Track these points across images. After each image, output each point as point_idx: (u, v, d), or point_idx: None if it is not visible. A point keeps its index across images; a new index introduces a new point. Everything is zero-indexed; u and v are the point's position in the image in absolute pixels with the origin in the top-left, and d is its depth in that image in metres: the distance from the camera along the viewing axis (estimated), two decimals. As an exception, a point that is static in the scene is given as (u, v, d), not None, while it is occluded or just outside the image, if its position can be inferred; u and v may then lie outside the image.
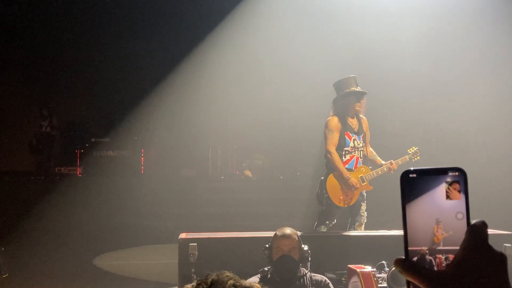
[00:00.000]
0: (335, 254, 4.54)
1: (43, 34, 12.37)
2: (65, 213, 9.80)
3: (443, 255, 0.73)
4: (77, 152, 12.06)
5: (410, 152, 5.55)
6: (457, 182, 0.74)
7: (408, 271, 0.72)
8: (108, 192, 10.39)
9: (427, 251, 0.73)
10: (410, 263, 0.73)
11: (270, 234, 3.79)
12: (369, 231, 4.93)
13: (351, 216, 5.45)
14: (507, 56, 9.55)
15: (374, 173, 5.38)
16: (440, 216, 0.73)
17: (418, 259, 0.73)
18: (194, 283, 1.44)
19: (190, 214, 9.95)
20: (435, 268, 0.73)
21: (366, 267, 3.43)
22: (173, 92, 11.76)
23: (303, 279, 3.61)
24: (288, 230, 3.68)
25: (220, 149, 11.98)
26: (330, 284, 3.73)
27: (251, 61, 11.03)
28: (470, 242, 0.71)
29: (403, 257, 0.74)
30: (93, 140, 12.13)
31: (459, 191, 0.74)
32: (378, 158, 5.56)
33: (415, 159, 5.52)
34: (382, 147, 5.82)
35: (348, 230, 5.40)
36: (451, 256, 0.73)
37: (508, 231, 4.71)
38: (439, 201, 0.74)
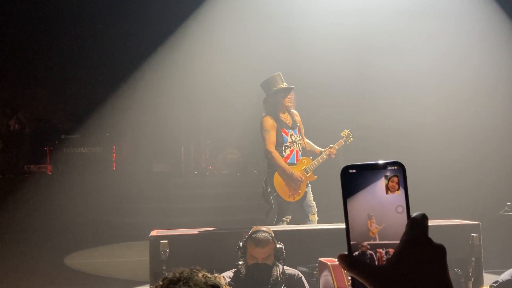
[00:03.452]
0: (308, 247, 4.55)
1: (8, 29, 12.07)
2: (35, 212, 9.63)
3: (383, 250, 0.73)
4: (46, 149, 11.85)
5: (343, 135, 5.79)
6: (396, 176, 0.74)
7: (350, 267, 0.72)
8: (79, 189, 10.24)
9: (367, 246, 0.73)
10: (352, 259, 0.72)
11: (243, 229, 3.75)
12: (340, 223, 4.96)
13: (303, 208, 5.59)
14: (459, 55, 9.77)
15: (316, 162, 5.58)
16: (372, 210, 0.74)
17: (359, 254, 0.73)
18: (162, 282, 1.41)
19: (163, 210, 9.87)
20: (376, 263, 0.73)
21: (337, 260, 3.43)
22: (144, 87, 11.63)
23: (276, 273, 3.61)
24: (263, 235, 3.53)
25: (193, 144, 11.91)
26: (303, 278, 3.73)
27: (223, 54, 10.99)
28: (410, 236, 0.70)
29: (346, 252, 0.73)
30: (63, 137, 11.93)
31: (399, 185, 0.74)
32: (316, 147, 5.79)
33: (349, 140, 5.77)
34: (355, 139, 5.91)
35: (306, 222, 5.51)
36: (391, 250, 0.73)
37: (475, 221, 4.79)
38: (378, 195, 0.74)
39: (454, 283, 0.76)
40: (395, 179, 0.74)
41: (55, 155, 11.71)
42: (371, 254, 0.73)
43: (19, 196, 10.06)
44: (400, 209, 0.73)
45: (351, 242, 0.73)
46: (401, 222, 0.73)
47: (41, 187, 10.33)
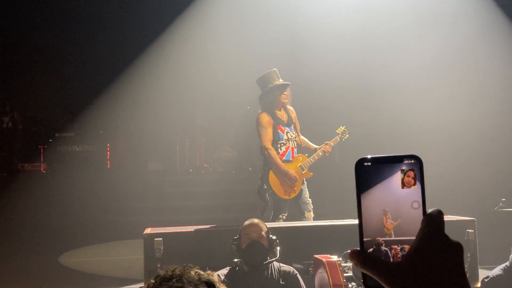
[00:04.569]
0: (303, 244, 4.54)
1: (4, 28, 11.99)
2: (29, 211, 9.59)
3: (398, 246, 0.71)
4: (40, 147, 11.78)
5: (339, 132, 5.80)
6: (413, 170, 0.72)
7: (363, 264, 0.70)
8: (73, 188, 10.19)
9: (382, 242, 0.71)
10: (364, 256, 0.70)
11: (238, 226, 3.77)
12: (335, 220, 4.96)
13: (299, 205, 5.59)
14: (455, 54, 9.77)
15: (311, 159, 5.59)
16: (388, 205, 0.71)
17: (373, 250, 0.71)
18: (155, 280, 1.40)
19: (159, 208, 9.84)
20: (391, 260, 0.71)
21: (332, 256, 3.43)
22: (139, 84, 11.58)
23: (271, 270, 3.60)
24: (255, 220, 3.75)
25: (188, 142, 11.88)
26: (298, 275, 3.73)
27: (216, 52, 10.95)
28: (425, 232, 0.69)
29: (358, 248, 0.72)
30: (57, 135, 11.86)
31: (415, 179, 0.72)
32: (311, 144, 5.80)
33: (345, 137, 5.78)
34: (351, 136, 5.91)
35: (302, 219, 5.49)
36: (407, 247, 0.71)
37: (470, 217, 4.79)
38: (394, 190, 0.72)
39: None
40: (412, 173, 0.71)
41: (49, 154, 11.65)
42: (386, 251, 0.71)
43: (13, 194, 10.00)
44: (416, 205, 0.71)
45: (365, 239, 0.71)
46: (416, 218, 0.70)
47: (35, 185, 10.28)
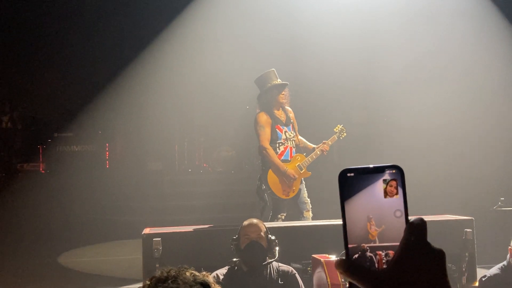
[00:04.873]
0: (301, 244, 4.54)
1: (3, 28, 11.99)
2: (28, 211, 9.58)
3: (383, 252, 0.72)
4: (39, 147, 11.78)
5: (336, 130, 5.80)
6: (395, 180, 0.73)
7: (348, 272, 0.71)
8: (72, 188, 10.19)
9: (367, 248, 0.72)
10: (349, 264, 0.71)
11: (237, 226, 3.78)
12: (334, 220, 4.96)
13: (297, 205, 5.60)
14: (453, 53, 9.79)
15: (310, 158, 5.59)
16: (371, 212, 0.73)
17: (359, 256, 0.72)
18: (150, 281, 1.40)
19: (158, 208, 9.84)
20: (376, 265, 0.72)
21: (330, 256, 3.44)
22: (137, 84, 11.57)
23: (270, 270, 3.61)
24: (255, 220, 3.75)
25: (187, 142, 11.88)
26: (297, 275, 3.73)
27: (215, 52, 10.95)
28: (408, 240, 0.70)
29: (344, 257, 0.73)
30: (56, 135, 11.85)
31: (397, 189, 0.73)
32: (309, 143, 5.80)
33: (343, 136, 5.79)
34: (350, 136, 5.92)
35: (300, 219, 5.50)
36: (391, 253, 0.72)
37: (468, 216, 4.79)
38: (376, 199, 0.73)
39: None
40: (394, 183, 0.73)
41: (48, 154, 11.65)
42: (371, 257, 0.72)
43: (12, 194, 10.00)
44: (398, 214, 0.73)
45: (350, 245, 0.72)
46: (399, 227, 0.72)
47: (34, 185, 10.28)
